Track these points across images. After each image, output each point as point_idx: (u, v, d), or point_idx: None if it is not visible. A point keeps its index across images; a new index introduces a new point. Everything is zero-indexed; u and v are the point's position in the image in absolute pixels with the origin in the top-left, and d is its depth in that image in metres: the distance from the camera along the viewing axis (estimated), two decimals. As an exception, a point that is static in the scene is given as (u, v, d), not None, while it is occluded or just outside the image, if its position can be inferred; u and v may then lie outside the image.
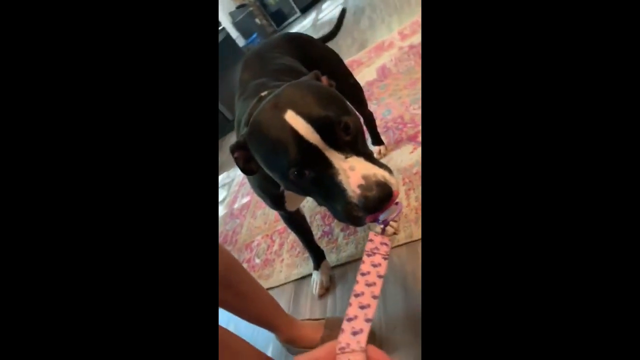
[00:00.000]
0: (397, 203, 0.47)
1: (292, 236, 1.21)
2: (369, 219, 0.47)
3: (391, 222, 0.94)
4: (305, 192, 0.53)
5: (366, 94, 1.61)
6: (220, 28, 3.41)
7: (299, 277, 1.06)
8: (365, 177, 0.45)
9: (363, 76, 1.80)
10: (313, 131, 0.46)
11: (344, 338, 0.35)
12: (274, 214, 1.39)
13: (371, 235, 0.44)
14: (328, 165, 0.47)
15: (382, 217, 0.46)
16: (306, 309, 0.97)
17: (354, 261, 0.96)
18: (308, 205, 1.29)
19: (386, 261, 0.42)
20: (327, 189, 0.48)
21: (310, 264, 1.01)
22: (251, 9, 4.90)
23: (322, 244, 1.08)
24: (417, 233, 0.89)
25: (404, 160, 1.12)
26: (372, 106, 1.50)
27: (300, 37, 1.01)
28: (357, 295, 0.39)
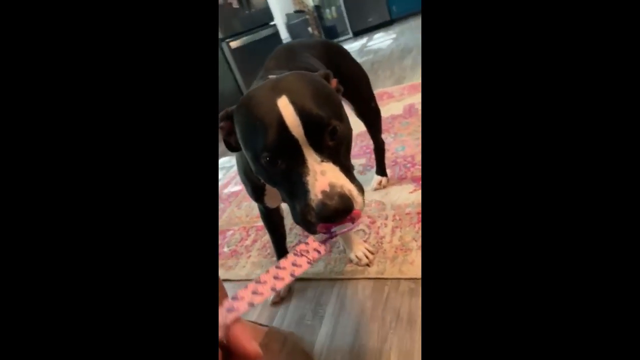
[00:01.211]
0: (354, 221, 0.45)
1: (268, 236, 1.17)
2: (320, 227, 0.45)
3: (367, 253, 0.91)
4: (272, 181, 0.52)
5: (387, 126, 1.61)
6: (271, 23, 3.49)
7: (260, 278, 1.02)
8: (331, 185, 0.44)
9: (389, 109, 1.79)
10: (299, 124, 0.45)
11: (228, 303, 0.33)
12: (257, 210, 1.36)
13: (310, 239, 0.43)
14: (302, 162, 0.46)
15: (334, 229, 0.45)
16: (255, 313, 0.93)
17: (319, 280, 0.92)
18: (294, 212, 1.26)
19: (309, 266, 0.40)
20: (294, 185, 0.47)
21: (275, 268, 0.97)
22: (307, 17, 5.03)
23: (294, 253, 1.04)
24: (390, 272, 0.85)
25: (401, 198, 1.10)
26: (388, 138, 1.49)
27: (336, 47, 1.00)
28: (257, 282, 0.37)
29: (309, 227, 0.46)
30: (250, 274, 1.05)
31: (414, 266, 0.84)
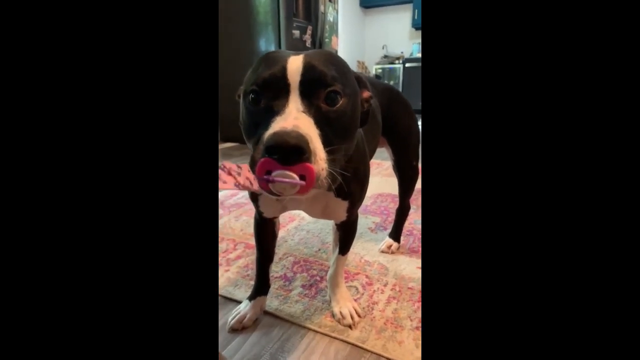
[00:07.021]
0: (303, 180, 0.39)
1: (254, 258, 1.07)
2: (260, 166, 0.39)
3: (353, 313, 0.79)
4: (249, 128, 0.48)
5: (414, 197, 1.54)
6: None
7: (229, 296, 0.91)
8: (295, 126, 0.40)
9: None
10: (299, 72, 0.44)
11: None
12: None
13: (245, 166, 0.39)
14: (283, 104, 0.43)
15: (275, 173, 0.39)
16: (208, 332, 0.80)
17: (291, 322, 0.80)
18: (293, 244, 1.16)
19: (234, 188, 0.38)
20: (265, 124, 0.43)
21: (249, 293, 0.86)
22: (366, 81, 5.26)
23: (274, 285, 0.93)
24: (373, 344, 0.73)
25: (406, 270, 0.99)
26: (411, 208, 1.42)
27: (399, 95, 0.98)
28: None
29: (253, 163, 0.41)
30: (220, 289, 0.94)
31: (401, 347, 0.71)
